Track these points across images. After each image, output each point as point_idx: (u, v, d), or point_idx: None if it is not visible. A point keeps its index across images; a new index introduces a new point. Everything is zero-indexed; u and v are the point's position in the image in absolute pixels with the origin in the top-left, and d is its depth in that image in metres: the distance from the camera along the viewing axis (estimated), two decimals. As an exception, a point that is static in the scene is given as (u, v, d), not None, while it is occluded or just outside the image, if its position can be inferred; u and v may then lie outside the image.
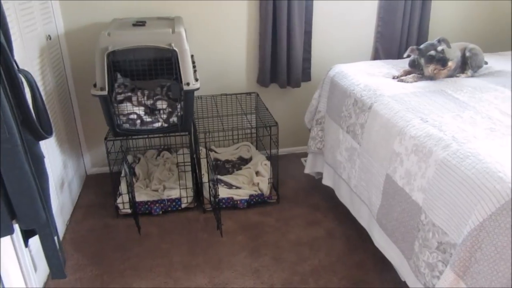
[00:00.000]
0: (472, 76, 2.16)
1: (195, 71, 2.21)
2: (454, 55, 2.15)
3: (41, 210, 1.32)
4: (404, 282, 1.69)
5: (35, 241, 1.54)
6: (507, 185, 1.20)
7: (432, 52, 2.05)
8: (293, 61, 2.70)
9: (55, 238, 1.46)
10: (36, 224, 1.33)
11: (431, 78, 2.11)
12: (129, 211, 2.33)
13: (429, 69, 2.07)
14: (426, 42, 2.13)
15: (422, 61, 2.08)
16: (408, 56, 2.16)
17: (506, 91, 1.90)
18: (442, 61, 2.03)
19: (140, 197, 2.36)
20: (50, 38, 2.26)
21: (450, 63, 2.03)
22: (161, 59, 2.16)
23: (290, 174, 2.80)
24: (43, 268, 1.84)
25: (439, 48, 2.04)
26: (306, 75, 2.86)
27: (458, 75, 2.17)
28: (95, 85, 2.06)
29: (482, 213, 1.23)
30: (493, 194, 1.21)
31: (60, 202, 2.18)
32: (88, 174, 2.83)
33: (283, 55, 2.66)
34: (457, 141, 1.44)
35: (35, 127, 1.34)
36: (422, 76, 2.11)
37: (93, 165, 2.84)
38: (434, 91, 1.93)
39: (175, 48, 2.01)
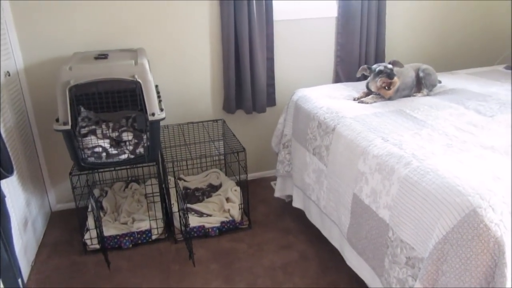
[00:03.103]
0: (427, 95, 2.27)
1: (160, 101, 2.21)
2: (408, 75, 2.26)
3: (2, 252, 1.28)
4: (378, 300, 1.71)
5: (-3, 285, 1.48)
6: (466, 198, 1.25)
7: (381, 67, 2.15)
8: (257, 87, 2.75)
9: (19, 280, 1.40)
10: (-2, 268, 1.28)
11: (389, 97, 2.20)
12: (97, 246, 2.26)
13: (377, 84, 2.14)
14: (378, 63, 2.23)
15: (372, 77, 2.18)
16: (363, 76, 2.26)
17: (460, 107, 2.00)
18: (389, 74, 2.12)
19: (109, 231, 2.30)
20: (9, 75, 2.22)
21: (395, 79, 2.12)
22: (125, 91, 2.16)
23: (260, 199, 2.81)
24: (7, 314, 1.75)
25: (389, 66, 2.14)
26: (271, 100, 2.91)
27: (414, 94, 2.28)
28: (57, 120, 2.03)
29: (445, 226, 1.27)
30: (454, 208, 1.26)
31: (24, 242, 2.10)
32: (53, 210, 2.74)
33: (247, 82, 2.71)
34: (417, 158, 1.50)
35: (-5, 166, 1.30)
36: (380, 96, 2.19)
37: (58, 201, 2.75)
38: (393, 111, 2.01)
39: (138, 80, 2.02)
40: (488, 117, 1.86)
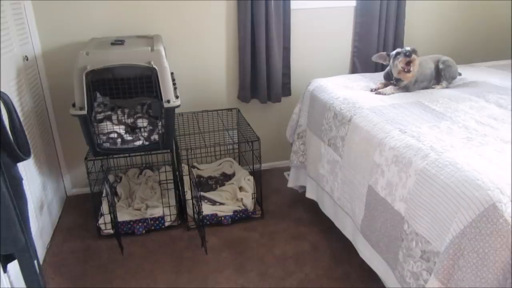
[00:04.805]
0: (447, 87, 2.22)
1: (175, 88, 2.21)
2: (427, 66, 2.22)
3: (19, 233, 1.29)
4: (390, 293, 1.70)
5: (14, 265, 1.50)
6: (485, 192, 1.22)
7: (398, 49, 2.14)
8: (272, 77, 2.73)
9: (35, 262, 1.42)
10: (15, 248, 1.30)
11: (407, 88, 2.16)
12: (111, 231, 2.29)
13: (398, 67, 2.11)
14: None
15: (391, 63, 2.14)
16: (380, 67, 2.22)
17: (480, 101, 1.96)
18: (407, 54, 2.08)
19: (122, 216, 2.32)
20: (27, 59, 2.24)
21: (414, 56, 2.08)
22: (140, 77, 2.16)
23: (273, 189, 2.80)
24: (23, 294, 1.79)
25: (407, 48, 2.11)
26: (286, 90, 2.89)
27: (433, 86, 2.23)
28: (74, 105, 2.04)
29: (463, 221, 1.25)
30: (472, 202, 1.24)
31: (40, 225, 2.13)
32: (69, 195, 2.78)
33: (262, 71, 2.69)
34: (435, 151, 1.47)
35: (13, 149, 1.32)
36: (399, 88, 2.16)
37: (73, 186, 2.79)
38: (411, 103, 1.97)
39: (154, 66, 2.01)
40: (509, 111, 1.81)
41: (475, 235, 1.21)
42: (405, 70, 2.09)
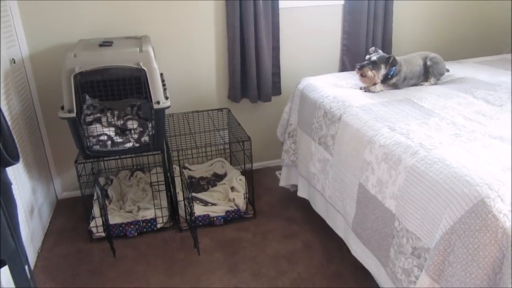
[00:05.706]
0: (435, 84, 2.24)
1: (165, 89, 2.20)
2: (415, 63, 2.23)
3: (9, 239, 1.28)
4: (382, 289, 1.71)
5: (4, 271, 1.48)
6: (474, 188, 1.24)
7: (367, 57, 2.18)
8: (262, 76, 2.73)
9: (26, 267, 1.41)
10: (4, 254, 1.29)
11: (396, 86, 2.18)
12: (103, 234, 2.28)
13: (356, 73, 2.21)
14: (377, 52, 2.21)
15: None
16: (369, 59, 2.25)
17: (468, 97, 1.98)
18: (361, 68, 2.15)
19: (114, 219, 2.31)
20: (14, 62, 2.21)
21: (369, 73, 2.12)
22: (129, 79, 2.15)
23: (265, 188, 2.81)
24: (14, 300, 1.77)
25: (373, 58, 2.13)
26: (276, 89, 2.89)
27: (422, 83, 2.25)
28: (62, 108, 2.02)
29: (452, 217, 1.26)
30: (461, 198, 1.25)
31: (30, 229, 2.11)
32: (59, 198, 2.75)
33: (252, 70, 2.68)
34: (424, 148, 1.48)
35: (1, 153, 1.30)
36: (388, 85, 2.17)
37: (64, 189, 2.76)
38: (400, 100, 1.99)
39: (143, 67, 2.00)
40: (497, 107, 1.84)
41: (465, 231, 1.23)
42: (362, 75, 2.16)
